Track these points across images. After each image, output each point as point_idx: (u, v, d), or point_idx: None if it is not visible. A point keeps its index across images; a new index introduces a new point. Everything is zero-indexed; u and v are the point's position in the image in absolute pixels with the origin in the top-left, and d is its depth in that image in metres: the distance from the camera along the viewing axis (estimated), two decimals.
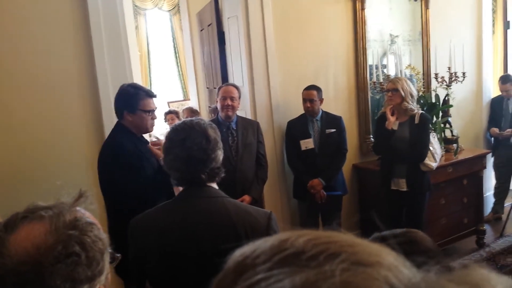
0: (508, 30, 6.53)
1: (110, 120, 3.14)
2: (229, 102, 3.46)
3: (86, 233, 0.91)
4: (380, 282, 0.35)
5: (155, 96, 2.77)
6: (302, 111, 3.96)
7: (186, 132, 1.62)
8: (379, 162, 4.04)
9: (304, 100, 3.88)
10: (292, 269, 0.37)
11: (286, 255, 0.39)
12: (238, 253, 0.43)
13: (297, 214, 4.24)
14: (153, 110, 2.73)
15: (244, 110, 4.06)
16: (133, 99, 2.65)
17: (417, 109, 3.66)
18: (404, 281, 0.36)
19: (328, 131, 3.92)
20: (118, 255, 1.07)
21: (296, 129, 3.95)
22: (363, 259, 0.38)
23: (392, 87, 3.62)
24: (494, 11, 6.11)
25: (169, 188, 2.87)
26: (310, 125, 3.94)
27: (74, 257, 0.87)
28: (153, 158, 2.79)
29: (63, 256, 0.86)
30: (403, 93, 3.57)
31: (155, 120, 2.77)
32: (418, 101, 4.58)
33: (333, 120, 3.97)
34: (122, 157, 2.55)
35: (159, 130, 7.11)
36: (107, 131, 3.08)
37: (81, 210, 0.98)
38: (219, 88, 3.59)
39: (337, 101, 4.40)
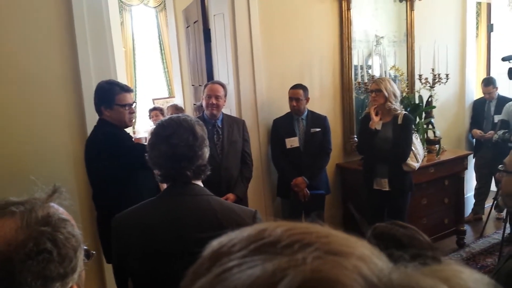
0: (491, 33, 6.62)
1: (92, 116, 3.11)
2: (214, 101, 3.45)
3: (59, 230, 0.89)
4: (350, 272, 0.35)
5: (131, 91, 2.85)
6: (287, 110, 3.97)
7: (172, 127, 1.59)
8: (362, 162, 4.06)
9: (290, 99, 3.88)
10: (266, 256, 0.38)
11: (262, 244, 0.40)
12: (215, 242, 0.43)
13: (280, 212, 4.25)
14: (130, 104, 2.79)
15: (229, 108, 4.04)
16: (109, 95, 2.73)
17: (400, 110, 3.69)
18: (376, 272, 0.37)
19: (313, 130, 3.93)
20: (93, 252, 1.06)
21: (281, 127, 3.96)
22: (336, 249, 0.38)
23: (375, 88, 3.64)
24: (478, 14, 6.19)
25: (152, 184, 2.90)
26: (296, 124, 3.95)
27: (45, 254, 0.85)
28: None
29: (34, 253, 0.84)
30: (386, 94, 3.59)
31: (133, 114, 2.85)
32: (401, 102, 4.63)
33: (318, 120, 3.99)
34: (116, 143, 2.66)
35: (143, 127, 7.08)
36: (90, 126, 3.05)
37: (55, 206, 0.95)
38: (205, 86, 3.57)
39: (322, 100, 4.41)
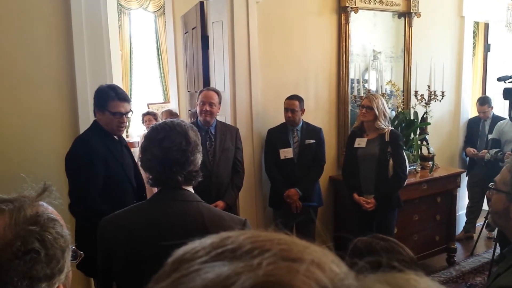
0: (488, 53, 6.67)
1: (86, 117, 3.10)
2: (208, 108, 3.43)
3: (47, 230, 0.87)
4: (303, 276, 0.36)
5: (126, 100, 2.75)
6: (281, 120, 3.95)
7: (165, 131, 1.58)
8: (346, 180, 3.96)
9: (286, 110, 3.87)
10: (225, 262, 0.39)
11: (224, 250, 0.41)
12: (180, 250, 0.44)
13: (271, 223, 4.21)
14: (122, 114, 2.70)
15: (224, 116, 4.03)
16: (103, 98, 2.68)
17: (386, 127, 3.68)
18: (331, 277, 0.38)
19: (307, 141, 3.92)
20: (81, 252, 1.03)
21: (276, 137, 3.94)
22: (292, 255, 0.39)
23: (367, 105, 3.63)
24: (475, 34, 6.24)
25: (141, 192, 2.86)
26: (290, 135, 3.93)
27: (33, 254, 0.84)
28: (128, 159, 2.78)
29: (21, 252, 0.83)
30: (377, 112, 3.59)
31: (124, 124, 2.76)
32: (396, 117, 4.65)
33: (313, 131, 3.98)
34: (83, 154, 2.57)
35: (136, 131, 7.05)
36: (82, 128, 3.03)
37: (44, 205, 0.94)
38: (200, 92, 3.56)
39: (317, 112, 4.41)
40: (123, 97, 2.72)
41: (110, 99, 2.66)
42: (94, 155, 2.57)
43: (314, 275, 0.37)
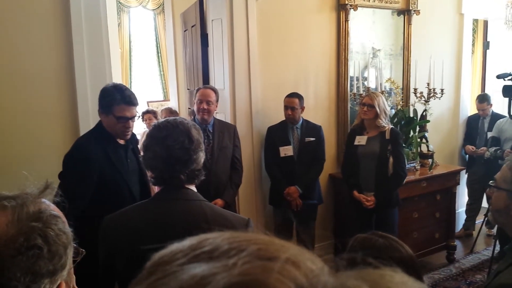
0: (487, 51, 6.67)
1: (85, 115, 3.09)
2: (205, 106, 3.43)
3: (50, 226, 0.88)
4: (278, 274, 0.37)
5: (133, 104, 2.54)
6: (281, 118, 3.96)
7: (168, 130, 1.57)
8: (346, 178, 3.98)
9: (286, 107, 3.87)
10: (202, 263, 0.39)
11: (201, 252, 0.41)
12: (159, 253, 0.44)
13: (271, 220, 4.22)
14: (127, 118, 2.52)
15: (224, 114, 4.03)
16: (108, 101, 2.50)
17: (387, 124, 3.69)
18: (307, 273, 0.38)
19: (307, 139, 3.92)
20: (83, 250, 1.04)
21: (276, 135, 3.94)
22: (267, 254, 0.39)
23: (368, 103, 3.63)
24: (474, 31, 6.23)
25: (145, 197, 2.77)
26: (290, 133, 3.94)
27: (36, 250, 0.84)
28: (134, 164, 2.66)
29: (24, 248, 0.83)
30: (378, 110, 3.60)
31: (129, 129, 2.57)
32: (396, 115, 4.66)
33: (313, 129, 3.98)
34: (77, 164, 2.42)
35: (136, 129, 7.04)
36: (82, 126, 3.03)
37: (46, 202, 0.94)
38: (197, 90, 3.56)
39: (317, 110, 4.40)
40: (130, 101, 2.52)
41: (116, 103, 2.48)
42: (89, 165, 2.40)
43: (289, 273, 0.37)
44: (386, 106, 3.71)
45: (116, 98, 2.48)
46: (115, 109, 2.48)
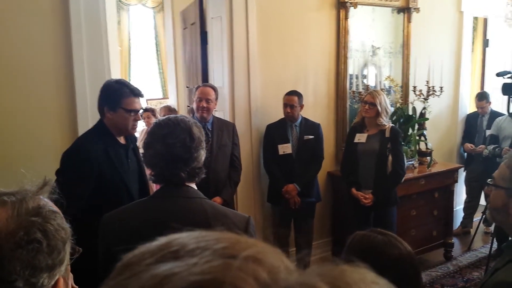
0: (487, 48, 6.66)
1: (84, 113, 3.08)
2: (205, 104, 3.44)
3: (49, 221, 0.90)
4: (238, 271, 0.37)
5: (141, 96, 2.54)
6: (280, 116, 3.96)
7: (169, 127, 1.56)
8: (345, 176, 3.99)
9: (285, 105, 3.88)
10: (167, 263, 0.39)
11: (168, 252, 0.41)
12: (129, 254, 0.44)
13: (270, 218, 4.23)
14: (137, 110, 2.50)
15: (222, 112, 4.03)
16: (116, 96, 2.45)
17: (387, 123, 3.70)
18: (270, 270, 0.38)
19: (306, 137, 3.93)
20: (79, 248, 1.05)
21: (275, 133, 3.95)
22: (230, 252, 0.39)
23: (370, 101, 3.64)
24: (474, 29, 6.23)
25: (144, 195, 2.75)
26: (289, 130, 3.94)
27: (35, 244, 0.86)
28: (133, 164, 2.63)
29: (24, 242, 0.85)
30: (379, 108, 3.61)
31: (138, 121, 2.56)
32: (395, 113, 4.66)
33: (311, 127, 3.98)
34: (75, 165, 2.38)
35: None
36: (80, 124, 3.02)
37: (44, 199, 0.96)
38: (196, 88, 3.56)
39: (316, 108, 4.41)
40: (137, 92, 2.51)
41: (125, 95, 2.44)
42: (89, 166, 2.36)
43: (251, 270, 0.37)
44: (388, 104, 3.72)
45: (125, 91, 2.46)
46: (125, 102, 2.45)
